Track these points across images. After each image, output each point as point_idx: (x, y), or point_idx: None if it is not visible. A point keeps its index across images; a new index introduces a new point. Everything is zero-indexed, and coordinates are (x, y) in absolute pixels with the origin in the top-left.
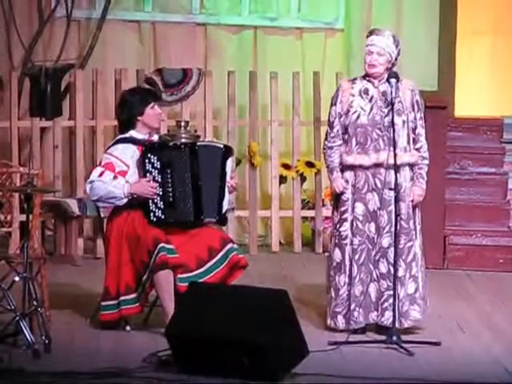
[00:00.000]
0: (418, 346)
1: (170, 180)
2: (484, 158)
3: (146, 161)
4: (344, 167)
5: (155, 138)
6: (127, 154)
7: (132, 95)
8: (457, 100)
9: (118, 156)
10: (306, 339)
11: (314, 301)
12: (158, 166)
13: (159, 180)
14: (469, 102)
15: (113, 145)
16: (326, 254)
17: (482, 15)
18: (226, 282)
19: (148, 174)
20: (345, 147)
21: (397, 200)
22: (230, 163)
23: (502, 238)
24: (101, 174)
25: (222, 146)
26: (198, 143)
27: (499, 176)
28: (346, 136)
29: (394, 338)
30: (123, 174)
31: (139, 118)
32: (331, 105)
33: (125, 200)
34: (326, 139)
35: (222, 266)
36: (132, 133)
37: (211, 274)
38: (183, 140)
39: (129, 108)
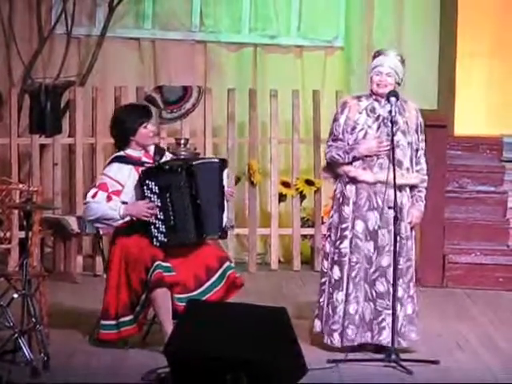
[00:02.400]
0: (417, 365)
1: (169, 203)
2: (483, 176)
3: (144, 187)
4: (347, 181)
5: (151, 149)
6: (122, 173)
7: (125, 114)
8: (456, 119)
9: (112, 176)
10: (304, 357)
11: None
12: (157, 191)
13: (159, 204)
14: (468, 121)
15: (108, 164)
16: (323, 269)
17: (480, 37)
18: (223, 300)
19: (147, 200)
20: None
21: (397, 219)
22: (225, 174)
23: (502, 257)
24: (94, 195)
25: (217, 160)
26: (194, 163)
27: (499, 195)
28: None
29: (393, 357)
30: (117, 193)
31: (132, 137)
32: (335, 119)
33: (120, 221)
34: (329, 152)
35: (220, 285)
36: (128, 151)
37: (210, 294)
38: (181, 157)
39: (121, 127)
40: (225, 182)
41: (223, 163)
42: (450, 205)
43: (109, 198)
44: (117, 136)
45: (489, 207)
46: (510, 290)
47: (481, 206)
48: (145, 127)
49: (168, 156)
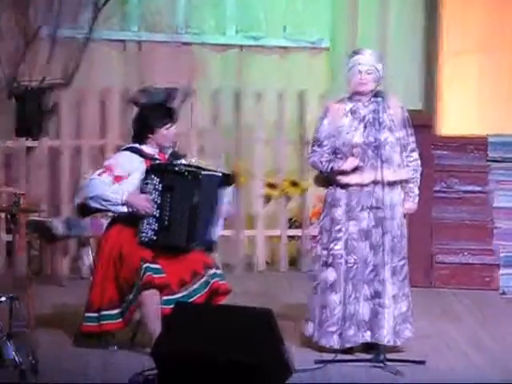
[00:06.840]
0: (405, 365)
1: (168, 204)
2: (470, 176)
3: (149, 181)
4: (337, 186)
5: (168, 151)
6: (132, 163)
7: (150, 111)
8: (443, 119)
9: (120, 162)
10: (291, 358)
11: (300, 320)
12: (160, 189)
13: (158, 202)
14: (455, 121)
15: (120, 151)
16: (310, 273)
17: (467, 33)
18: None
19: (148, 195)
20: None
21: (386, 218)
22: (230, 191)
23: (489, 257)
24: (100, 174)
25: (220, 174)
26: (203, 172)
27: (486, 194)
28: (340, 155)
29: (381, 357)
30: (119, 179)
31: (150, 135)
32: (320, 124)
33: (119, 207)
34: (312, 156)
35: (203, 292)
36: (143, 146)
37: (193, 299)
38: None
39: (143, 123)
40: (225, 198)
41: (228, 179)
42: (437, 205)
43: (114, 181)
44: (137, 130)
45: (476, 207)
46: (496, 290)
47: (468, 206)
48: (167, 128)
49: (184, 162)
